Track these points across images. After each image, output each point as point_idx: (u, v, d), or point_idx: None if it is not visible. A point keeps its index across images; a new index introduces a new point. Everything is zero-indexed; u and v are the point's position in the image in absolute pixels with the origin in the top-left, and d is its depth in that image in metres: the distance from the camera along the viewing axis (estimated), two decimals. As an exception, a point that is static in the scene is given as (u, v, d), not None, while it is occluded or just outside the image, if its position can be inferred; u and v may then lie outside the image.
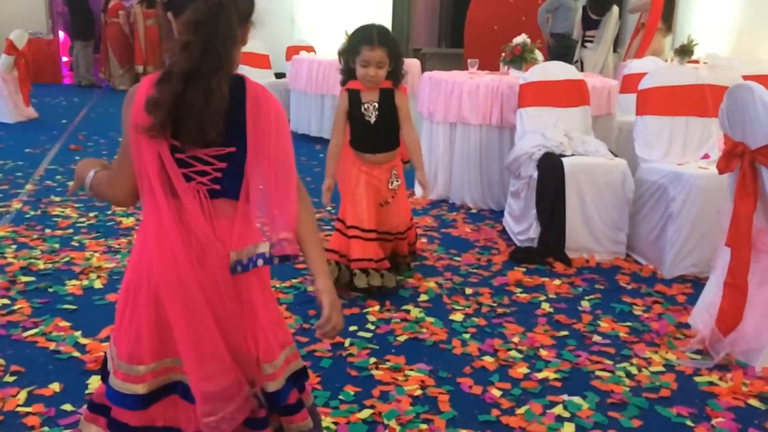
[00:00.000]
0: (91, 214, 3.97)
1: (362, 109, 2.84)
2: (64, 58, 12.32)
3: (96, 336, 2.48)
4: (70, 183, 1.59)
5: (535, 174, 3.48)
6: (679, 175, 3.21)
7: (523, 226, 3.62)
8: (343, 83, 2.93)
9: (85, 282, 2.98)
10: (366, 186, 2.89)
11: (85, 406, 1.58)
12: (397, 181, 2.96)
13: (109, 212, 4.03)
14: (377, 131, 2.88)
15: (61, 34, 12.30)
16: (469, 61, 5.00)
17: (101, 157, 5.54)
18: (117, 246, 3.45)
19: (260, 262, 1.37)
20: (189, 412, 1.40)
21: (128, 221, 3.86)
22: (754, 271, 2.39)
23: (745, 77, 4.28)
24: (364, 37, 2.76)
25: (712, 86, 3.57)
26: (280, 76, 8.18)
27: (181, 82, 1.28)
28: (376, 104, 2.85)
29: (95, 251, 3.36)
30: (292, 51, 7.79)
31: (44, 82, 10.54)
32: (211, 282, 1.35)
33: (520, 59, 4.67)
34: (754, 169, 2.36)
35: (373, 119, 2.85)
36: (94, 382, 2.16)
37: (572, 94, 3.91)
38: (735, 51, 9.43)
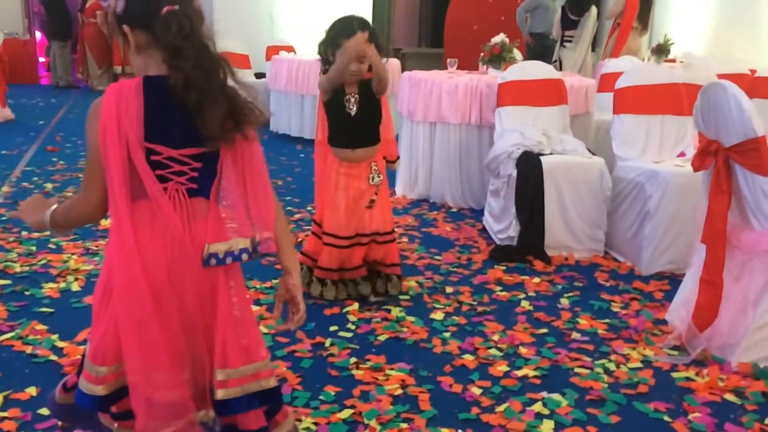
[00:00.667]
0: (69, 216, 3.93)
1: (343, 101, 2.77)
2: (41, 59, 12.17)
3: (73, 339, 2.45)
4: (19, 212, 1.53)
5: (514, 173, 3.50)
6: (655, 173, 3.25)
7: (502, 224, 3.64)
8: (324, 73, 2.83)
9: (63, 285, 2.95)
10: (345, 192, 2.81)
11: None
12: (379, 177, 2.86)
13: (86, 214, 3.98)
14: (358, 124, 2.81)
15: (38, 34, 12.14)
16: (448, 60, 5.02)
17: (79, 158, 5.49)
18: (95, 248, 3.42)
19: (244, 256, 1.41)
20: None
21: (106, 223, 3.81)
22: (729, 268, 2.42)
23: (720, 76, 4.33)
24: (344, 30, 2.68)
25: (687, 85, 3.62)
26: (260, 75, 8.14)
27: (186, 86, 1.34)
28: (357, 96, 2.78)
29: (73, 253, 3.32)
30: (272, 51, 7.77)
31: (21, 83, 10.39)
32: (182, 280, 1.35)
33: (499, 59, 4.69)
34: (728, 166, 2.39)
35: (354, 111, 2.78)
36: (72, 386, 2.14)
37: (550, 94, 3.94)
38: (711, 50, 9.54)
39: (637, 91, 3.63)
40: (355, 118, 2.79)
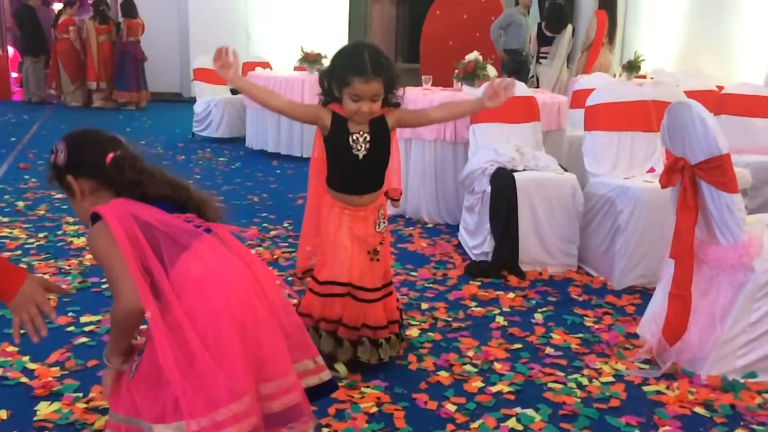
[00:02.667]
0: (41, 235, 3.89)
1: (350, 141, 2.28)
2: (14, 74, 12.04)
3: (44, 361, 2.42)
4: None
5: (489, 189, 3.54)
6: (625, 189, 3.31)
7: (477, 240, 3.68)
8: (324, 104, 2.36)
9: (34, 305, 2.91)
10: (350, 233, 2.34)
11: None
12: (384, 223, 2.42)
13: (59, 233, 3.95)
14: (365, 168, 2.32)
15: (11, 49, 12.02)
16: (423, 77, 5.07)
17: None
18: (67, 267, 3.39)
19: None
20: None
21: (79, 241, 3.79)
22: (697, 282, 2.47)
23: (688, 93, 4.45)
24: (354, 66, 2.20)
25: (655, 102, 3.70)
26: (235, 92, 8.13)
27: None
28: (367, 136, 2.29)
29: (45, 273, 3.29)
30: (248, 67, 7.76)
31: (-8, 99, 10.28)
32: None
33: (473, 76, 4.76)
34: (694, 183, 2.45)
35: (362, 154, 2.29)
36: (43, 408, 2.11)
37: (523, 111, 4.00)
38: (681, 65, 9.75)
39: (608, 108, 3.70)
40: (364, 162, 2.31)
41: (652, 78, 7.15)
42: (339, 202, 2.37)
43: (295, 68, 7.67)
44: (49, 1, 12.66)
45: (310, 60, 6.90)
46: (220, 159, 6.63)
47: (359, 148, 2.29)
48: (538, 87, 7.35)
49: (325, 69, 2.35)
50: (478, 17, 10.38)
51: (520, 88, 4.17)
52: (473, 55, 4.76)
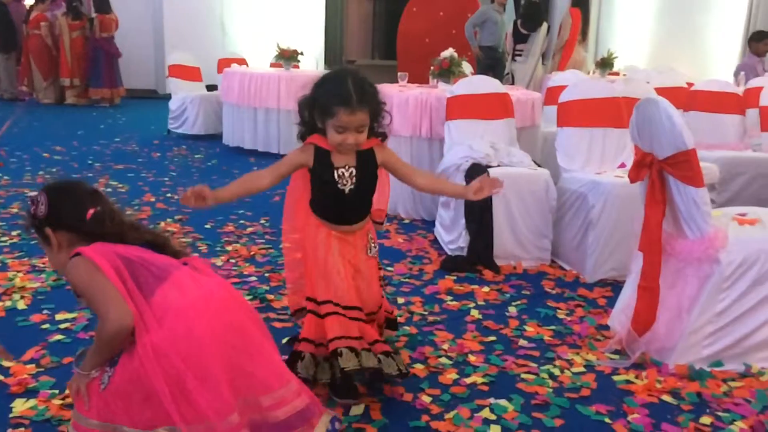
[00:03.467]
0: (14, 233, 3.85)
1: (335, 176, 2.14)
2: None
3: (20, 358, 2.41)
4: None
5: (463, 184, 3.58)
6: (597, 184, 3.38)
7: (453, 235, 3.72)
8: (302, 137, 2.22)
9: (8, 303, 2.90)
10: (340, 255, 2.20)
11: None
12: (375, 247, 2.32)
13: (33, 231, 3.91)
14: (352, 202, 2.19)
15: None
16: (399, 74, 5.11)
17: (24, 173, 5.37)
18: (42, 265, 3.36)
19: None
20: None
21: (54, 239, 3.76)
22: (665, 274, 2.54)
23: (659, 89, 4.53)
24: (338, 96, 2.05)
25: (626, 99, 3.77)
26: (211, 88, 8.11)
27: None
28: (354, 170, 2.16)
29: (18, 271, 3.26)
30: (224, 63, 7.75)
31: (-38, 96, 10.11)
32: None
33: (448, 73, 4.80)
34: (662, 178, 2.51)
35: (348, 188, 2.15)
36: (19, 405, 2.11)
37: (497, 107, 4.06)
38: (653, 62, 9.91)
39: (580, 105, 3.77)
40: (351, 197, 2.17)
41: (624, 75, 7.26)
42: (326, 223, 2.23)
43: (271, 65, 7.66)
44: (21, -3, 12.46)
45: (286, 56, 6.89)
46: (196, 156, 6.61)
47: (345, 182, 2.15)
48: (513, 84, 7.43)
49: (304, 99, 2.16)
50: (454, 14, 10.45)
51: (495, 85, 4.23)
52: (449, 52, 4.80)
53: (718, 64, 9.07)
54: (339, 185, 2.15)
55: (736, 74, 6.97)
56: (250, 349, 1.59)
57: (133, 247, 1.61)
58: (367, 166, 2.18)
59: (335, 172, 2.14)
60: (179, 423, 1.48)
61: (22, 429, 2.00)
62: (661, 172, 2.50)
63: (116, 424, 1.55)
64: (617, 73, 8.14)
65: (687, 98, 4.83)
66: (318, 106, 2.11)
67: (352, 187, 2.16)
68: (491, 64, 8.21)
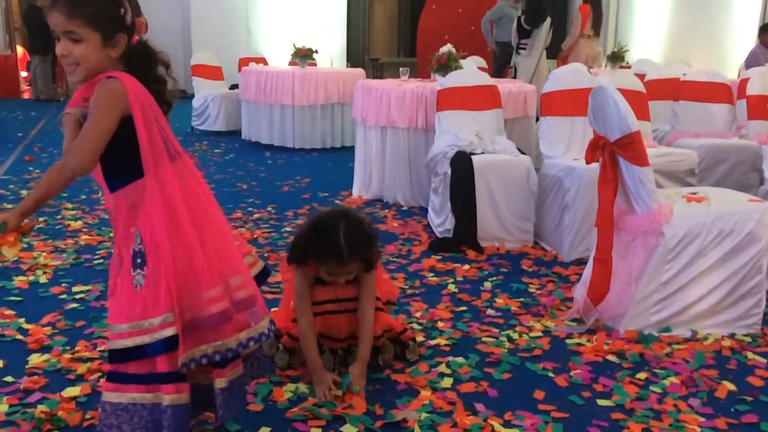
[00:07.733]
0: (41, 219, 4.22)
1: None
2: (23, 73, 12.44)
3: (39, 322, 2.74)
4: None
5: (449, 171, 3.83)
6: (572, 169, 3.59)
7: (441, 218, 3.97)
8: (293, 263, 2.29)
9: (32, 278, 3.24)
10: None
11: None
12: None
13: (58, 217, 4.28)
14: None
15: (20, 49, 12.42)
16: (400, 69, 5.36)
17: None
18: (64, 246, 3.71)
19: None
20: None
21: (76, 224, 4.12)
22: (617, 247, 2.76)
23: (652, 81, 4.72)
24: (329, 250, 2.16)
25: (607, 89, 3.96)
26: (235, 87, 8.45)
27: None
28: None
29: (42, 251, 3.62)
30: (244, 62, 8.09)
31: (2, 98, 10.67)
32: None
33: (446, 67, 5.02)
34: (613, 159, 2.73)
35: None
36: (35, 359, 2.43)
37: (485, 99, 4.28)
38: (670, 56, 9.99)
39: (562, 95, 3.98)
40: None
41: (629, 67, 7.40)
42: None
43: (290, 63, 7.98)
44: (57, 2, 13.01)
45: (301, 55, 7.20)
46: (216, 151, 6.96)
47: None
48: (515, 77, 7.63)
49: (299, 240, 2.27)
50: (472, 11, 10.66)
51: (483, 78, 4.46)
52: (446, 48, 5.03)
53: (736, 57, 9.12)
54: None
55: (748, 65, 7.07)
56: (222, 234, 1.76)
57: (161, 112, 1.70)
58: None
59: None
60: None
61: (36, 377, 2.31)
62: (613, 153, 2.72)
63: (145, 318, 1.63)
64: (628, 66, 8.26)
65: (676, 89, 4.98)
66: (310, 251, 2.22)
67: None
68: (507, 59, 8.41)
